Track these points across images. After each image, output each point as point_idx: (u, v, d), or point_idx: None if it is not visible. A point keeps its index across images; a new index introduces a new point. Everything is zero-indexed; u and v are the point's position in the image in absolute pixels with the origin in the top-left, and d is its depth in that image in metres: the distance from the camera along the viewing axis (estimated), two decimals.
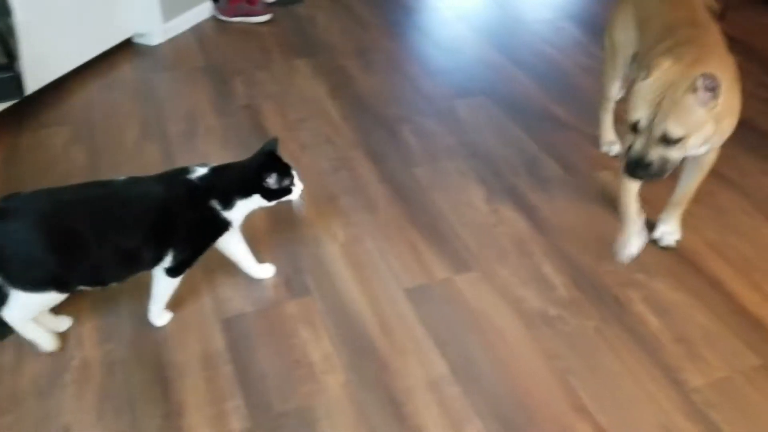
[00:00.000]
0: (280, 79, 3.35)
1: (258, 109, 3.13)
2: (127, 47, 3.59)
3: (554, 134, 2.98)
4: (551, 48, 3.64)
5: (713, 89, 1.83)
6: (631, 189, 2.29)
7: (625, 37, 2.47)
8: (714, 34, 2.12)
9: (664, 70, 1.91)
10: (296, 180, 2.07)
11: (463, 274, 2.29)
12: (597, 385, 1.95)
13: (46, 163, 2.77)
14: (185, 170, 2.00)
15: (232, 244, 2.16)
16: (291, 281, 2.27)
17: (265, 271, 2.28)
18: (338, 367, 2.00)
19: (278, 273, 2.29)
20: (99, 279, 1.94)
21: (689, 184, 2.30)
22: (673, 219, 2.39)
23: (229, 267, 2.20)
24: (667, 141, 1.91)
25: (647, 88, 1.92)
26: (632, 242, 2.33)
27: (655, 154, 1.94)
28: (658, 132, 1.90)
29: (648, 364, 2.01)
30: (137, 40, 3.65)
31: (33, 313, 1.95)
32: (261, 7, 3.89)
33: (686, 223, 2.43)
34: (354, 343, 2.07)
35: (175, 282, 2.06)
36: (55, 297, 1.89)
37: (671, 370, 1.99)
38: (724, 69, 1.97)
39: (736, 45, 2.17)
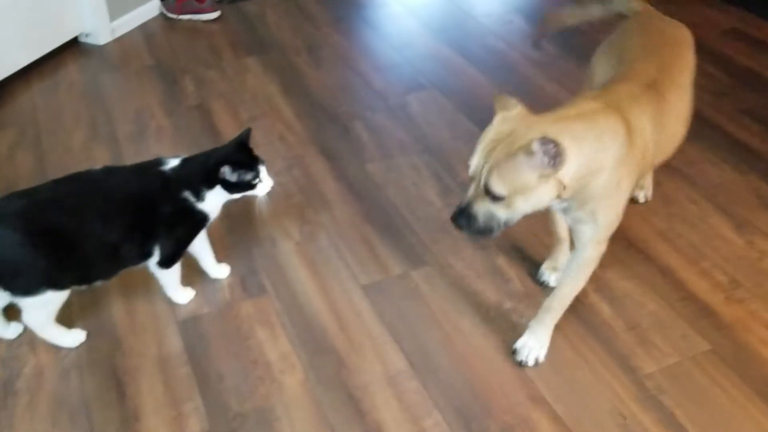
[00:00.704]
0: (230, 78, 3.33)
1: (209, 108, 3.10)
2: (73, 47, 3.52)
3: None
4: (500, 42, 3.67)
5: (554, 157, 1.54)
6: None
7: (601, 71, 2.19)
8: (646, 102, 1.79)
9: (507, 116, 1.64)
10: (263, 176, 2.02)
11: (419, 269, 2.30)
12: (552, 375, 1.98)
13: None
14: (159, 162, 2.00)
15: (197, 239, 2.13)
16: (246, 281, 2.25)
17: (221, 271, 2.26)
18: (296, 365, 1.99)
19: (233, 273, 2.28)
20: (89, 276, 1.94)
21: (561, 289, 1.98)
22: (535, 333, 2.03)
23: (183, 268, 2.17)
24: (491, 195, 1.62)
25: (489, 132, 1.65)
26: (559, 260, 2.26)
27: (482, 207, 1.66)
28: (482, 182, 1.63)
29: (601, 352, 2.05)
30: (83, 39, 3.58)
31: (49, 313, 1.94)
32: (209, 4, 3.85)
33: (635, 211, 2.48)
34: (311, 341, 2.07)
35: (172, 270, 2.06)
36: (58, 295, 1.90)
37: (624, 358, 2.03)
38: (596, 138, 1.64)
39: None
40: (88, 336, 2.05)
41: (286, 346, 2.05)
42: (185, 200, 1.97)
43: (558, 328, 2.09)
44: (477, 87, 3.30)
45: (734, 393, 1.94)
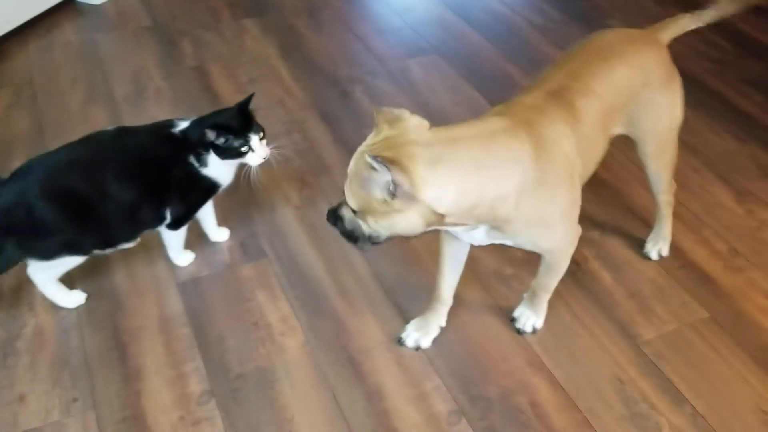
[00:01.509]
0: (228, 40, 3.29)
1: (207, 70, 3.07)
2: (68, 6, 3.46)
3: (508, 93, 2.95)
4: (503, 6, 3.63)
5: (392, 185, 1.39)
6: (447, 254, 1.90)
7: None
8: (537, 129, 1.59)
9: (400, 123, 1.48)
10: (255, 144, 1.97)
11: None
12: (552, 341, 1.99)
13: None
14: (171, 123, 1.99)
15: None
16: (246, 245, 2.25)
17: (221, 234, 2.25)
18: (296, 328, 2.00)
19: (233, 237, 2.27)
20: (110, 240, 1.95)
21: (539, 277, 1.93)
22: (531, 304, 2.01)
23: None
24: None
25: (370, 135, 1.52)
26: (430, 326, 1.99)
27: (347, 213, 1.56)
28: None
29: (601, 319, 2.05)
30: None
31: (56, 274, 1.96)
32: None
33: (637, 180, 2.47)
34: (311, 304, 2.07)
35: (179, 232, 2.07)
36: (76, 259, 1.93)
37: (624, 325, 2.04)
38: (486, 167, 1.48)
39: (684, 5, 2.17)
40: (89, 297, 2.05)
41: (286, 308, 2.05)
42: (191, 165, 1.96)
43: (558, 294, 2.09)
44: (480, 52, 3.27)
45: (732, 360, 1.95)
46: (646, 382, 1.89)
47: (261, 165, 2.02)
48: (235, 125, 1.95)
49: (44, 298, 2.02)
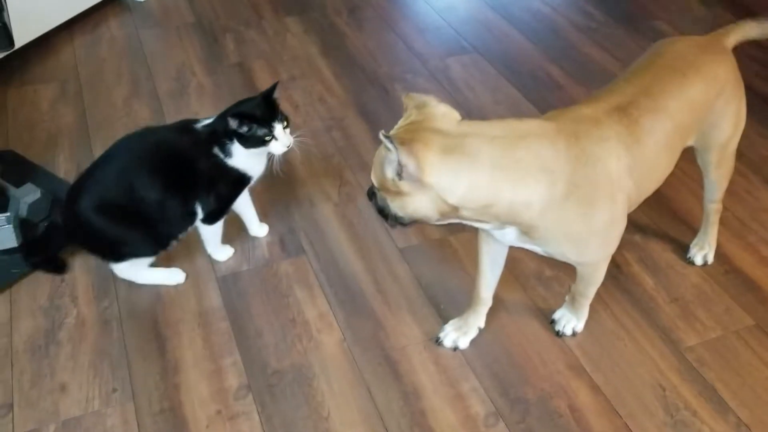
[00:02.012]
0: (270, 37, 3.30)
1: (249, 67, 3.08)
2: (114, 2, 3.51)
3: (549, 94, 2.96)
4: (545, 6, 3.60)
5: (399, 165, 1.41)
6: (485, 253, 1.87)
7: None
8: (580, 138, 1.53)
9: (410, 113, 1.51)
10: (279, 133, 1.95)
11: (457, 234, 2.28)
12: (592, 345, 1.96)
13: (32, 120, 2.72)
14: (194, 120, 2.01)
15: (240, 198, 2.12)
16: (285, 241, 2.25)
17: (261, 229, 2.26)
18: (333, 325, 1.99)
19: (272, 232, 2.28)
20: (165, 236, 2.02)
21: (576, 284, 1.88)
22: (572, 307, 1.97)
23: (223, 226, 2.17)
24: None
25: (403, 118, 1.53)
26: (469, 326, 1.96)
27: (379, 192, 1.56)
28: None
29: (643, 323, 2.02)
30: None
31: (141, 267, 2.05)
32: None
33: (680, 182, 2.42)
34: (349, 302, 2.06)
35: (216, 226, 2.08)
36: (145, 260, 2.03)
37: (666, 330, 2.00)
38: (504, 167, 1.45)
39: (731, 6, 2.11)
40: (129, 289, 2.07)
41: (324, 305, 2.05)
42: (216, 156, 1.95)
43: (599, 297, 2.06)
44: (521, 52, 3.24)
45: None
46: (689, 389, 1.85)
47: (285, 154, 2.00)
48: (258, 114, 1.93)
49: (87, 290, 2.05)
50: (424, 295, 2.09)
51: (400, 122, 1.52)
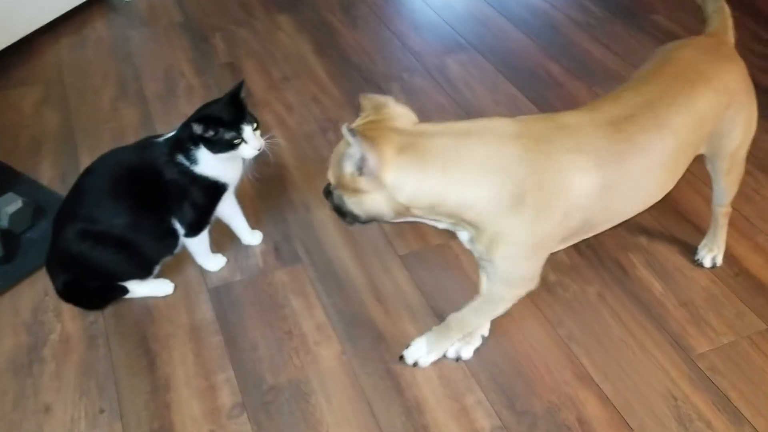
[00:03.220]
0: (262, 36, 3.21)
1: (240, 67, 2.99)
2: (99, 2, 3.41)
3: (548, 91, 2.88)
4: (543, 2, 3.52)
5: (361, 160, 1.39)
6: None
7: None
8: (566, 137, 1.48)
9: (367, 114, 1.51)
10: (248, 136, 1.83)
11: (458, 239, 2.20)
12: (600, 353, 1.89)
13: (15, 125, 2.63)
14: (156, 136, 1.93)
15: (226, 206, 2.03)
16: (280, 248, 2.17)
17: (253, 237, 2.18)
18: (332, 337, 1.91)
19: (266, 240, 2.19)
20: (150, 261, 1.95)
21: (461, 312, 1.77)
22: (435, 335, 1.85)
23: (215, 234, 2.08)
24: None
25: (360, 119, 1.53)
26: (471, 334, 1.88)
27: (336, 190, 1.55)
28: None
29: (652, 329, 1.95)
30: None
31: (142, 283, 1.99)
32: None
33: (687, 182, 2.35)
34: (348, 312, 1.98)
35: (199, 239, 1.98)
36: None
37: (676, 336, 1.93)
38: (448, 168, 1.42)
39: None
40: (116, 302, 1.99)
41: (322, 316, 1.97)
42: (180, 164, 1.84)
43: (605, 302, 1.99)
44: (519, 49, 3.16)
45: None
46: (701, 398, 1.78)
47: (256, 158, 1.89)
48: (224, 117, 1.81)
49: (71, 305, 1.97)
50: (427, 303, 2.01)
51: (357, 121, 1.50)
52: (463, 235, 1.59)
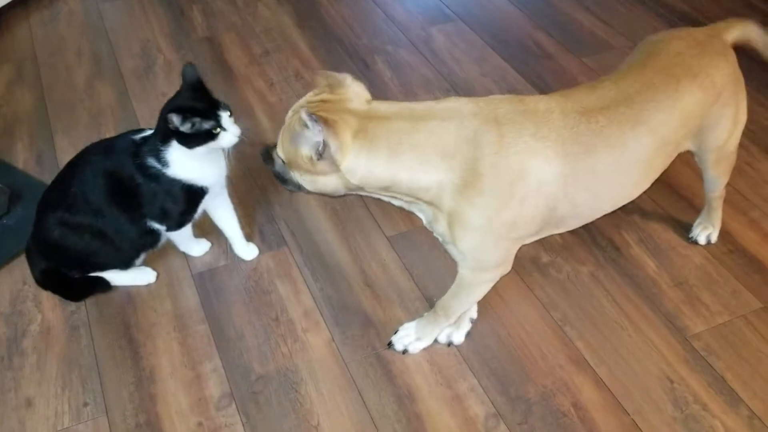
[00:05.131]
0: (241, 9, 3.12)
1: (219, 41, 2.91)
2: None
3: (537, 63, 2.82)
4: None
5: (322, 145, 1.37)
6: None
7: None
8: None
9: (321, 90, 1.47)
10: (227, 123, 1.71)
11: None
12: (595, 335, 1.85)
13: None
14: (136, 131, 1.84)
15: (218, 209, 1.95)
16: (264, 232, 2.11)
17: (248, 251, 2.03)
18: (320, 324, 1.87)
19: (251, 223, 2.13)
20: (130, 254, 1.89)
21: (443, 299, 1.74)
22: (425, 321, 1.82)
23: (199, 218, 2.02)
24: None
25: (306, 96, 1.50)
26: (460, 317, 1.83)
27: (279, 158, 1.52)
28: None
29: (647, 310, 1.91)
30: None
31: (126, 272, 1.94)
32: None
33: (681, 158, 2.30)
34: (336, 297, 1.94)
35: (182, 230, 1.90)
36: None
37: (670, 317, 1.90)
38: (400, 152, 1.41)
39: None
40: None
41: (309, 302, 1.92)
42: (151, 168, 1.73)
43: (599, 283, 1.96)
44: (507, 19, 3.09)
45: None
46: (697, 380, 1.76)
47: (236, 146, 1.76)
48: (199, 106, 1.69)
49: (51, 294, 1.90)
50: (416, 286, 1.96)
51: (308, 96, 1.47)
52: (423, 217, 1.56)
